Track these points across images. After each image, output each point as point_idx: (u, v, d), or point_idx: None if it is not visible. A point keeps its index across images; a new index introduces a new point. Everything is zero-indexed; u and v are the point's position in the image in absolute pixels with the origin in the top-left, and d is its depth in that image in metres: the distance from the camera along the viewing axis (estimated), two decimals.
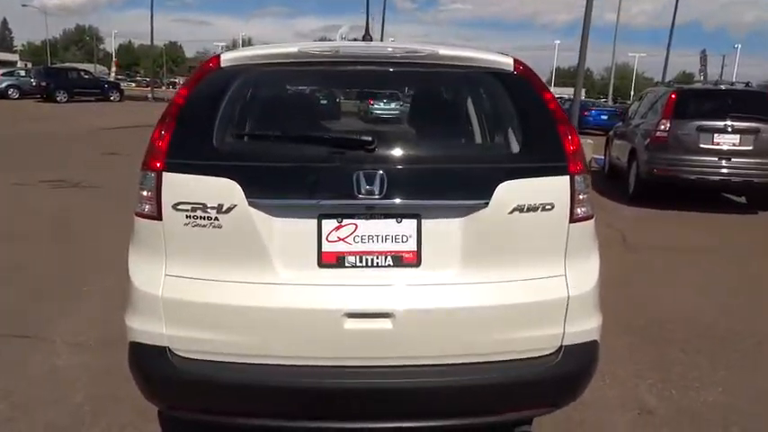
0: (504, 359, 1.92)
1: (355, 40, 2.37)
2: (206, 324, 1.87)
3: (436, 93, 2.19)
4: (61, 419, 2.61)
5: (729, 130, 7.74)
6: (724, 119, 7.76)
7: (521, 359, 1.93)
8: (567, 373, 1.96)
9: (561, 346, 1.96)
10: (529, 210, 1.89)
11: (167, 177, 1.88)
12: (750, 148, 7.70)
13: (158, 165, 1.89)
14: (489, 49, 2.17)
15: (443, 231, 1.89)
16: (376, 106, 11.93)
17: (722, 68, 58.47)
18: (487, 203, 1.87)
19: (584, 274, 2.01)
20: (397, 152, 1.90)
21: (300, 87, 2.22)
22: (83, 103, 27.25)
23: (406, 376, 1.87)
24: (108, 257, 4.81)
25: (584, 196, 1.97)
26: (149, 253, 1.95)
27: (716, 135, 7.76)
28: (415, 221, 1.88)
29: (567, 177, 1.93)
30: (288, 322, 1.86)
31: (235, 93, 2.05)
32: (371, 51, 2.07)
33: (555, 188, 1.92)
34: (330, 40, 2.52)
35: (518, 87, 2.06)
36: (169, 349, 1.90)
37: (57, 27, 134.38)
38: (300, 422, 1.93)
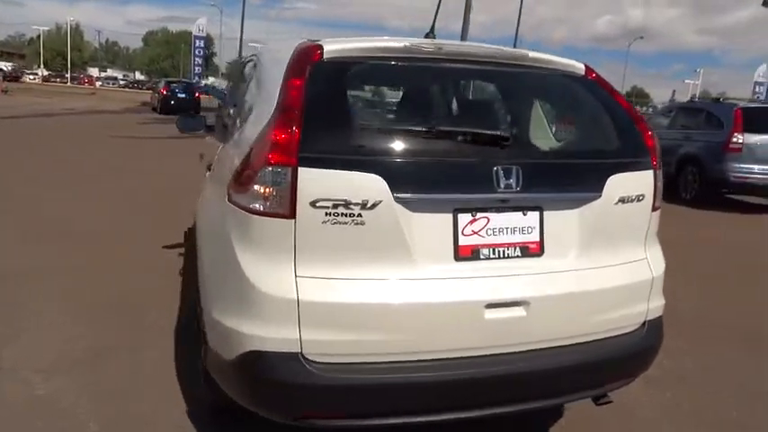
0: (612, 335, 2.10)
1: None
2: (344, 325, 1.81)
3: (532, 92, 2.31)
4: None
5: None
6: None
7: (621, 334, 2.13)
8: (649, 345, 2.20)
9: (645, 322, 2.20)
10: (628, 201, 2.10)
11: (304, 173, 1.77)
12: None
13: (292, 160, 1.78)
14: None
15: (561, 222, 2.02)
16: None
17: None
18: (600, 195, 2.04)
19: (657, 256, 2.27)
20: (525, 148, 2.00)
21: (412, 82, 2.20)
22: None
23: (539, 359, 1.97)
24: (26, 267, 4.26)
25: (660, 188, 2.22)
26: (273, 253, 1.82)
27: None
28: (537, 213, 1.99)
29: (652, 171, 2.17)
30: (431, 317, 1.86)
31: (351, 86, 1.99)
32: (472, 50, 2.12)
33: (645, 181, 2.15)
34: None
35: (596, 89, 2.25)
36: (302, 354, 1.81)
37: None
38: (444, 415, 1.94)
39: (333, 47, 1.99)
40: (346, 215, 1.79)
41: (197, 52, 37.19)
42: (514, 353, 1.95)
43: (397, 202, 1.81)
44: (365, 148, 1.87)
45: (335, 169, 1.79)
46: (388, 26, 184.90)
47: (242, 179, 1.91)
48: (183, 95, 25.48)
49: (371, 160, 1.82)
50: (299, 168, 1.77)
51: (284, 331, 1.80)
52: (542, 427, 2.63)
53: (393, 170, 1.81)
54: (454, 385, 1.89)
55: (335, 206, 1.78)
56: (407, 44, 2.04)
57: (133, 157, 11.26)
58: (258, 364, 1.83)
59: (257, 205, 1.83)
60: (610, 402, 2.29)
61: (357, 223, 1.80)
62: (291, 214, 1.79)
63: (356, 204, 1.79)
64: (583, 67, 2.28)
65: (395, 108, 2.09)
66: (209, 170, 2.63)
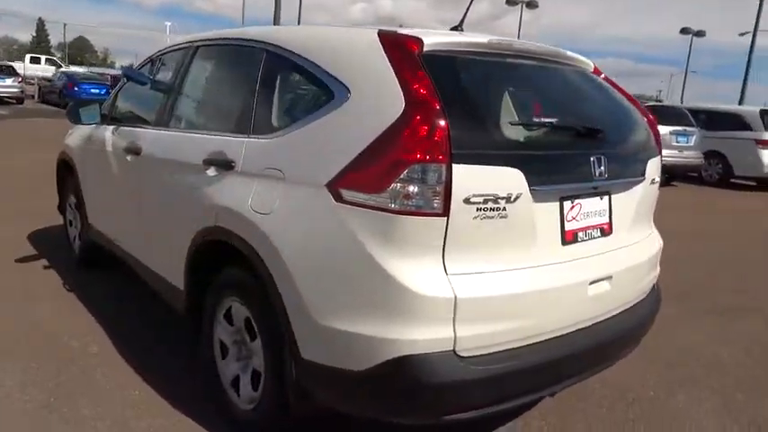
0: (643, 299, 2.45)
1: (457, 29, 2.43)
2: (491, 316, 1.84)
3: (580, 86, 2.47)
4: None
5: None
6: None
7: (646, 297, 2.49)
8: (658, 304, 2.62)
9: (654, 286, 2.61)
10: (653, 182, 2.47)
11: (459, 170, 1.74)
12: None
13: (445, 156, 1.72)
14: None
15: (620, 203, 2.28)
16: None
17: None
18: (644, 178, 2.36)
19: (655, 229, 2.69)
20: (604, 138, 2.20)
21: (509, 77, 2.19)
22: None
23: (616, 325, 2.24)
24: None
25: None
26: (420, 252, 1.76)
27: None
28: (607, 197, 2.23)
29: (659, 156, 2.56)
30: (556, 298, 1.99)
31: (460, 79, 1.97)
32: (536, 48, 2.24)
33: (658, 165, 2.53)
34: None
35: (606, 84, 2.56)
36: (455, 351, 1.79)
37: None
38: (563, 384, 2.12)
39: (431, 39, 1.95)
40: (494, 209, 1.81)
41: None
42: (602, 321, 2.18)
43: (531, 194, 1.89)
44: (502, 142, 1.90)
45: (483, 164, 1.80)
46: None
47: (368, 178, 1.78)
48: None
49: (511, 155, 1.87)
50: (453, 165, 1.73)
51: (439, 331, 1.76)
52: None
53: (527, 163, 1.88)
54: (573, 356, 2.06)
55: (486, 201, 1.79)
56: (490, 40, 2.09)
57: None
58: (412, 369, 1.75)
59: (396, 204, 1.74)
60: None
61: (502, 217, 1.83)
62: (445, 212, 1.74)
63: (503, 198, 1.82)
64: (591, 63, 2.58)
65: (504, 103, 2.11)
66: (228, 169, 2.31)
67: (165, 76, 3.17)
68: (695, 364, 3.32)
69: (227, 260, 2.33)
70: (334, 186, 1.85)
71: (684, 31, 35.29)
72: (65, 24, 72.28)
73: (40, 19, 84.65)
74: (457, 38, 2.06)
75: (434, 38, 1.97)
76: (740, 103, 22.25)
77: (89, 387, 2.65)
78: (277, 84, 2.31)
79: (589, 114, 2.34)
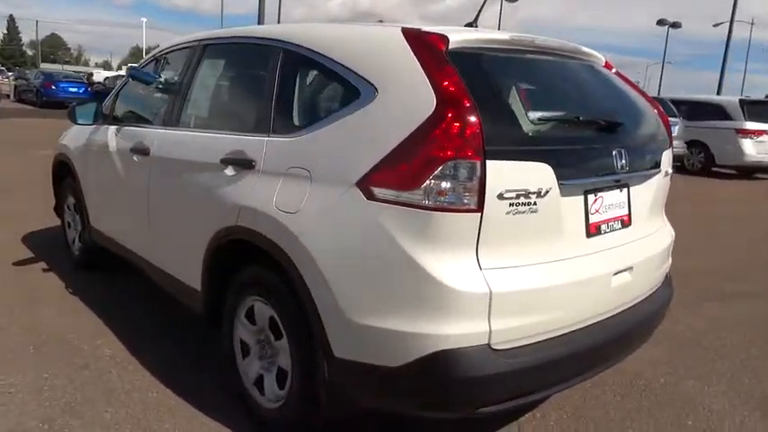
0: (658, 288, 2.50)
1: (470, 25, 2.44)
2: (524, 309, 1.87)
3: (595, 81, 2.50)
4: None
5: None
6: None
7: (660, 287, 2.54)
8: (671, 293, 2.67)
9: (667, 275, 2.66)
10: (667, 174, 2.51)
11: (492, 166, 1.76)
12: None
13: (479, 153, 1.74)
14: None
15: (638, 195, 2.32)
16: None
17: None
18: (660, 170, 2.41)
19: (667, 221, 2.74)
20: (624, 132, 2.24)
21: (531, 73, 2.21)
22: None
23: (638, 312, 2.29)
24: None
25: None
26: (454, 248, 1.78)
27: None
28: (626, 189, 2.27)
29: (671, 148, 2.61)
30: (583, 290, 2.03)
31: (487, 75, 1.98)
32: (556, 44, 2.27)
33: (670, 157, 2.57)
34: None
35: (617, 78, 2.60)
36: (490, 345, 1.81)
37: None
38: (588, 375, 2.16)
39: (456, 36, 1.96)
40: (525, 204, 1.83)
41: None
42: (623, 311, 2.22)
43: (559, 188, 1.91)
44: (531, 137, 1.93)
45: (514, 160, 1.82)
46: None
47: (401, 175, 1.79)
48: None
49: (540, 150, 1.89)
50: (488, 161, 1.75)
51: (474, 325, 1.78)
52: None
53: (555, 158, 1.91)
54: (598, 346, 2.10)
55: (518, 196, 1.81)
56: (511, 36, 2.11)
57: None
58: (448, 364, 1.77)
59: (430, 201, 1.75)
60: None
61: (532, 211, 1.86)
62: (479, 208, 1.76)
63: (533, 193, 1.84)
64: (603, 58, 2.61)
65: (530, 98, 2.13)
66: (248, 168, 2.29)
67: (171, 75, 3.13)
68: (699, 350, 3.40)
69: (248, 259, 2.32)
70: (366, 184, 1.85)
71: (661, 22, 35.75)
72: (37, 21, 70.82)
73: (10, 16, 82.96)
74: (480, 35, 2.07)
75: (459, 35, 1.98)
76: (718, 93, 22.69)
77: (106, 390, 2.62)
78: (297, 83, 2.30)
79: (609, 108, 2.37)
